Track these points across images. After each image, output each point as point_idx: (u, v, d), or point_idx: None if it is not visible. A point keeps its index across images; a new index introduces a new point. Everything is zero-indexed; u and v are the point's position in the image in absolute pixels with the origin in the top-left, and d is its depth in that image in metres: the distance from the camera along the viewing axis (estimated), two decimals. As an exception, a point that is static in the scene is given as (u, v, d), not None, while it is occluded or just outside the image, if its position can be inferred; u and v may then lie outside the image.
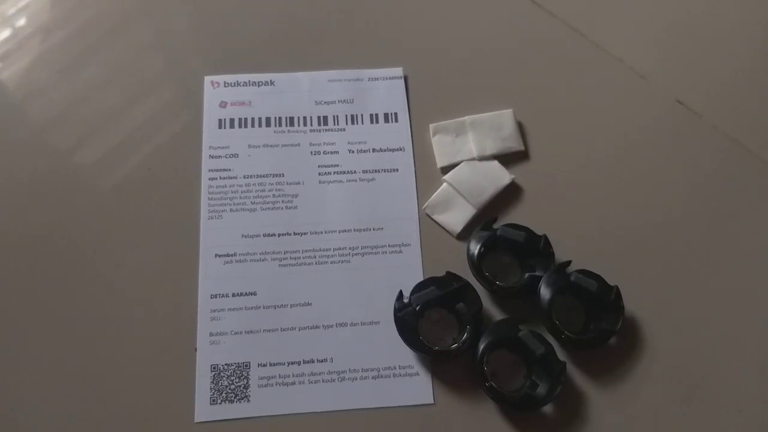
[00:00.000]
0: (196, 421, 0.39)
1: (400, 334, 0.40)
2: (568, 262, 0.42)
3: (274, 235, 0.44)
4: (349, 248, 0.44)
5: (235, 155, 0.46)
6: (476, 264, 0.42)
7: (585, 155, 0.47)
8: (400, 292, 0.41)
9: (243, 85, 0.49)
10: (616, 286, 0.41)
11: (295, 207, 0.45)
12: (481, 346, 0.40)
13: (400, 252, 0.44)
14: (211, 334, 0.41)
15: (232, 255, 0.43)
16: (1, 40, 0.51)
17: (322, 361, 0.41)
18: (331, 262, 0.43)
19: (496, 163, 0.46)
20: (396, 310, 0.41)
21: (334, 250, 0.44)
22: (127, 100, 0.49)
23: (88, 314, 0.41)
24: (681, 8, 0.54)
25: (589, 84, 0.50)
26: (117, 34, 0.51)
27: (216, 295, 0.42)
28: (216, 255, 0.43)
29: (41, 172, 0.46)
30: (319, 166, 0.46)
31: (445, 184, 0.46)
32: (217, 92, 0.48)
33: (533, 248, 0.42)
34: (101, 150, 0.47)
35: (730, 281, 0.44)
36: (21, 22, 0.52)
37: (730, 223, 0.45)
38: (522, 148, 0.47)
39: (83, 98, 0.48)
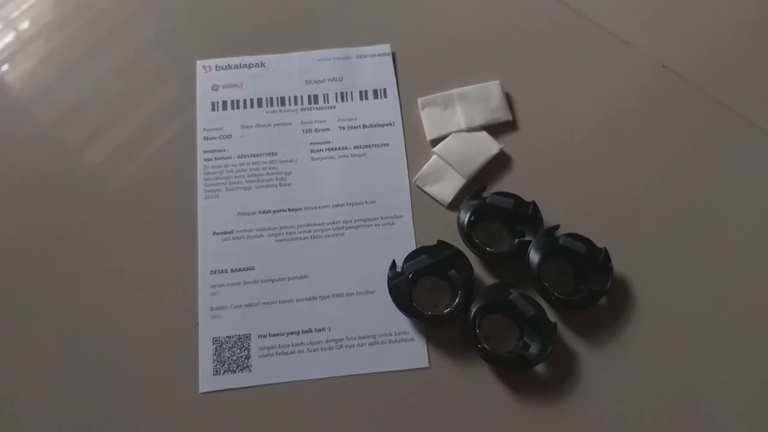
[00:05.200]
0: (200, 391, 0.40)
1: (394, 302, 0.41)
2: (557, 227, 0.43)
3: (270, 211, 0.45)
4: (343, 222, 0.45)
5: (229, 136, 0.47)
6: (467, 232, 0.43)
7: (572, 123, 0.48)
8: (393, 261, 0.42)
9: (234, 68, 0.50)
10: (605, 248, 0.42)
11: (289, 184, 0.46)
12: (473, 310, 0.41)
13: (393, 224, 0.45)
14: (212, 309, 0.42)
15: (229, 232, 0.44)
16: (6, 43, 0.52)
17: (319, 331, 0.42)
18: (326, 236, 0.44)
19: (484, 133, 0.47)
20: (390, 279, 0.42)
21: (329, 224, 0.45)
22: (125, 91, 0.50)
23: (96, 294, 0.43)
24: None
25: (574, 52, 0.51)
26: (116, 31, 0.52)
27: (215, 271, 0.43)
28: (214, 233, 0.44)
29: (48, 168, 0.47)
30: (311, 144, 0.47)
31: (434, 155, 0.47)
32: (209, 76, 0.49)
33: (522, 214, 0.43)
34: (101, 142, 0.48)
35: (716, 239, 0.44)
36: (24, 24, 0.53)
37: (716, 183, 0.46)
38: (510, 118, 0.48)
39: (85, 96, 0.50)
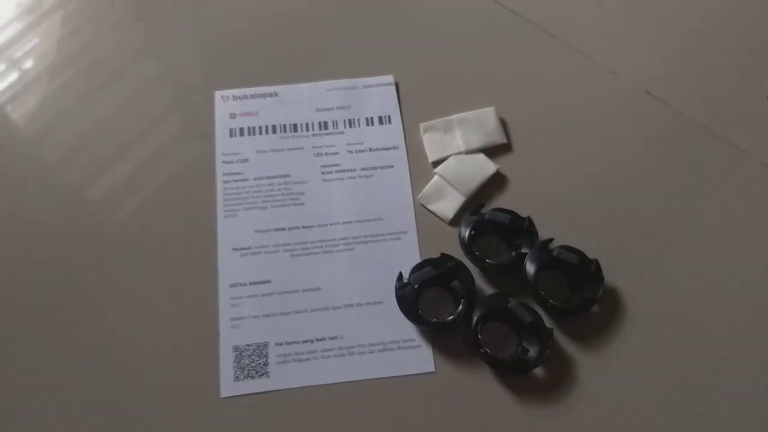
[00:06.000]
0: (222, 396, 0.43)
1: (401, 311, 0.44)
2: (551, 240, 0.46)
3: (284, 229, 0.48)
4: (353, 237, 0.48)
5: (246, 160, 0.51)
6: (467, 245, 0.46)
7: (562, 145, 0.52)
8: (400, 273, 0.45)
9: (250, 98, 0.54)
10: (596, 259, 0.45)
11: (302, 203, 0.49)
12: (475, 318, 0.44)
13: (399, 239, 0.48)
14: (232, 319, 0.45)
15: (247, 248, 0.48)
16: (10, 82, 0.55)
17: (332, 338, 0.45)
18: (337, 251, 0.48)
19: (481, 155, 0.51)
20: (397, 289, 0.45)
21: (339, 239, 0.48)
22: (147, 119, 0.54)
23: (123, 307, 0.46)
24: (644, 8, 0.59)
25: (564, 81, 0.55)
26: (128, 64, 0.56)
27: (235, 284, 0.46)
28: (233, 249, 0.48)
29: (71, 191, 0.51)
30: (321, 166, 0.51)
31: (436, 176, 0.50)
32: (227, 105, 0.53)
33: (518, 229, 0.47)
34: (125, 167, 0.51)
35: (698, 249, 0.48)
36: (28, 64, 0.56)
37: (697, 197, 0.50)
38: (505, 141, 0.52)
39: (109, 119, 0.54)
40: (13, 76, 0.56)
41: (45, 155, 0.52)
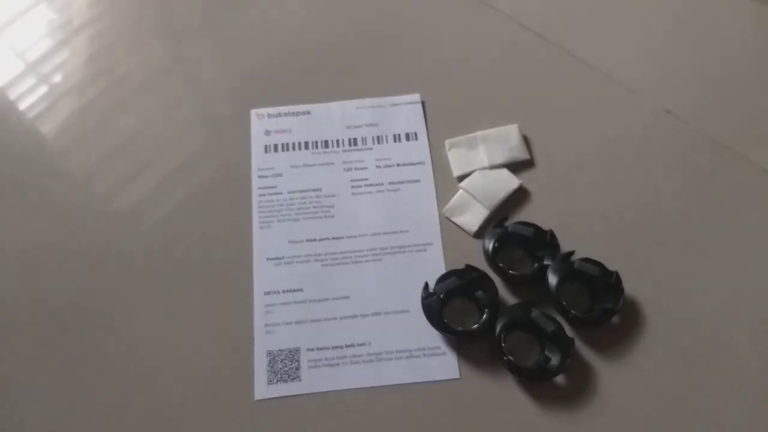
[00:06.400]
0: (256, 398, 0.45)
1: (427, 319, 0.46)
2: (572, 252, 0.48)
3: (316, 240, 0.51)
4: (380, 249, 0.50)
5: (280, 174, 0.54)
6: (491, 257, 0.48)
7: (584, 161, 0.54)
8: (426, 283, 0.47)
9: (284, 116, 0.57)
10: (616, 271, 0.47)
11: (333, 216, 0.52)
12: (499, 327, 0.46)
13: (425, 250, 0.50)
14: (266, 325, 0.48)
15: (281, 258, 0.50)
16: (39, 96, 0.58)
17: (361, 345, 0.47)
18: (365, 261, 0.50)
19: (505, 170, 0.53)
20: (423, 299, 0.47)
21: (368, 250, 0.50)
22: (188, 136, 0.57)
23: (163, 311, 0.49)
24: (663, 27, 0.60)
25: (584, 99, 0.57)
26: (161, 82, 0.60)
27: (269, 292, 0.49)
28: (267, 258, 0.50)
29: (110, 203, 0.54)
30: (351, 181, 0.53)
31: (461, 190, 0.52)
32: (262, 123, 0.56)
33: (541, 241, 0.49)
34: (163, 180, 0.55)
35: (716, 264, 0.49)
36: (57, 79, 0.60)
37: (715, 212, 0.51)
38: (528, 157, 0.54)
39: (140, 134, 0.57)
40: (42, 90, 0.59)
41: (75, 167, 0.56)
